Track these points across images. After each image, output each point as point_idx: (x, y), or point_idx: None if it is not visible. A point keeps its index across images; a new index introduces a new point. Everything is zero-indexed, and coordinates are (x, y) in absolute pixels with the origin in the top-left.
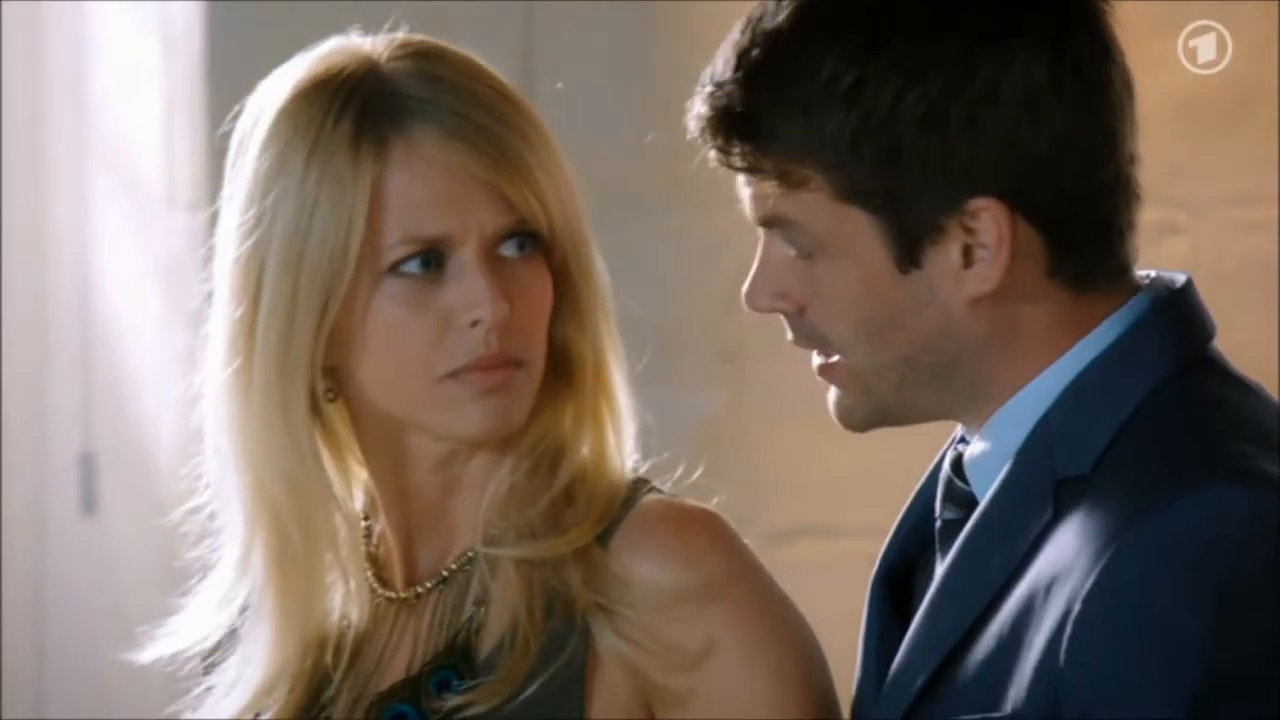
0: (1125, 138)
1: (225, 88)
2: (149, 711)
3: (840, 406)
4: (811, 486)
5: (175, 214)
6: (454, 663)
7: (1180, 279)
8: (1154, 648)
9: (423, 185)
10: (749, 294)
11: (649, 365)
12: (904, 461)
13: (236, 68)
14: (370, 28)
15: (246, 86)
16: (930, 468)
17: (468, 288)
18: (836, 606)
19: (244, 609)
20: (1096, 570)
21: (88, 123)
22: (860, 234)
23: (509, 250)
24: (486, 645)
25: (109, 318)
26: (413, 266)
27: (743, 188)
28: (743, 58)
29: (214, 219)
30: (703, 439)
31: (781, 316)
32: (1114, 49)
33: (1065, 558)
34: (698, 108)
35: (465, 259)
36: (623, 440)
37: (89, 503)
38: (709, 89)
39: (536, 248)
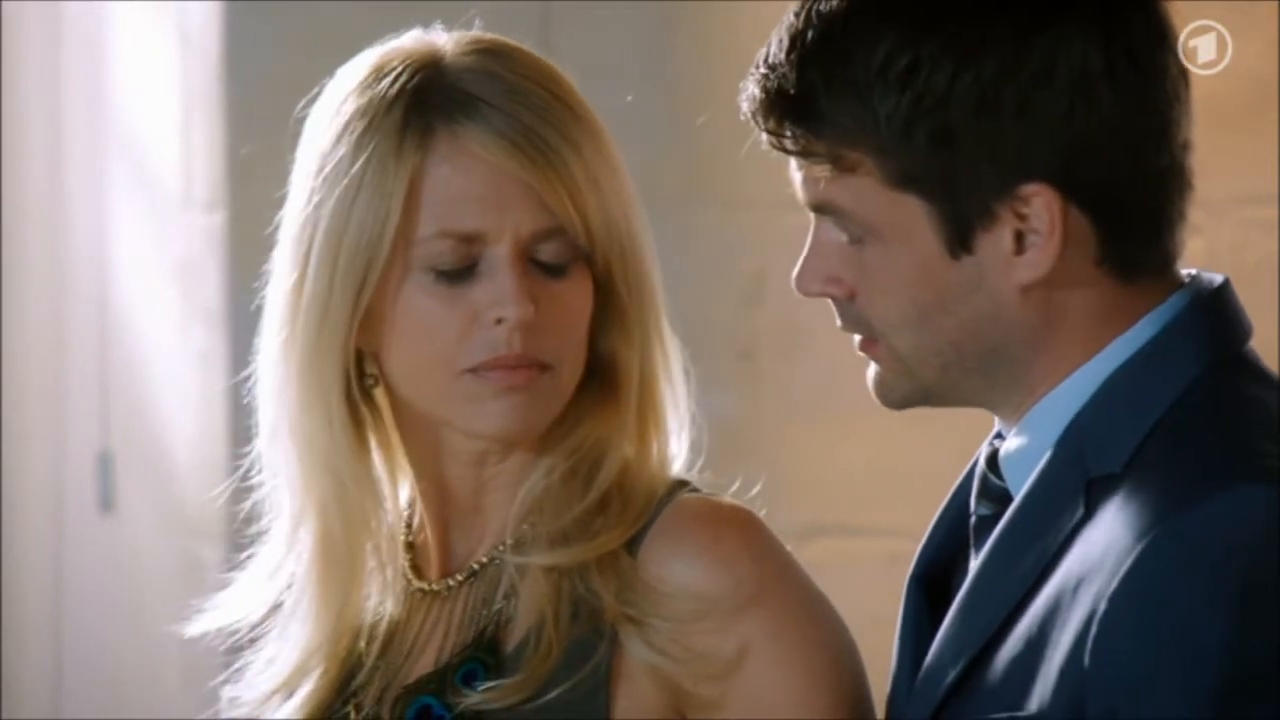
0: (1179, 125)
1: (243, 88)
2: (165, 709)
3: (880, 384)
4: (828, 486)
5: (192, 213)
6: (481, 656)
7: (1218, 279)
8: (1178, 647)
9: (463, 180)
10: (799, 278)
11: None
12: (921, 461)
13: (254, 68)
14: (388, 28)
15: (264, 87)
16: (968, 466)
17: (495, 286)
18: (854, 605)
19: (290, 584)
20: (1122, 570)
21: (105, 122)
22: (912, 220)
23: (547, 256)
24: (512, 641)
25: (126, 317)
26: (445, 261)
27: (794, 172)
28: (796, 40)
29: (232, 218)
30: (720, 439)
31: (831, 303)
32: (1170, 35)
33: (1094, 556)
34: (750, 89)
35: (497, 258)
36: (666, 451)
37: (107, 501)
38: (762, 71)
39: (577, 256)
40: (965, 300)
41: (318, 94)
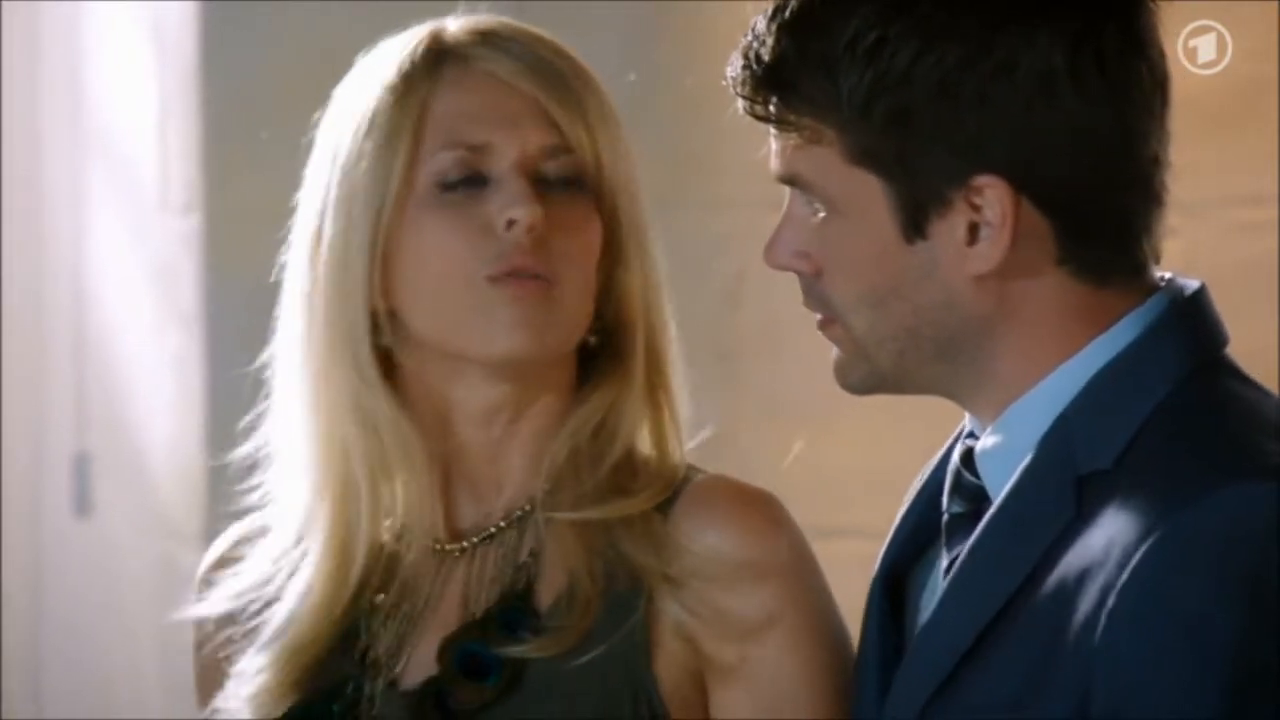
0: (1149, 136)
1: (219, 90)
2: (146, 709)
3: (839, 366)
4: (808, 487)
5: (169, 216)
6: (519, 605)
7: (1194, 284)
8: (1187, 643)
9: (471, 97)
10: (769, 249)
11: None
12: (901, 462)
13: (231, 69)
14: (363, 29)
15: (240, 88)
16: (930, 469)
17: (504, 192)
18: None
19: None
20: (1129, 566)
21: (82, 125)
22: (870, 198)
23: (553, 171)
24: (547, 597)
25: (103, 320)
26: (451, 173)
27: (771, 142)
28: (779, 11)
29: (208, 221)
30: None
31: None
32: (1147, 47)
33: (1095, 552)
34: (734, 56)
35: (505, 169)
36: (679, 422)
37: (83, 504)
38: (747, 39)
39: (584, 187)
40: (919, 286)
41: (293, 99)
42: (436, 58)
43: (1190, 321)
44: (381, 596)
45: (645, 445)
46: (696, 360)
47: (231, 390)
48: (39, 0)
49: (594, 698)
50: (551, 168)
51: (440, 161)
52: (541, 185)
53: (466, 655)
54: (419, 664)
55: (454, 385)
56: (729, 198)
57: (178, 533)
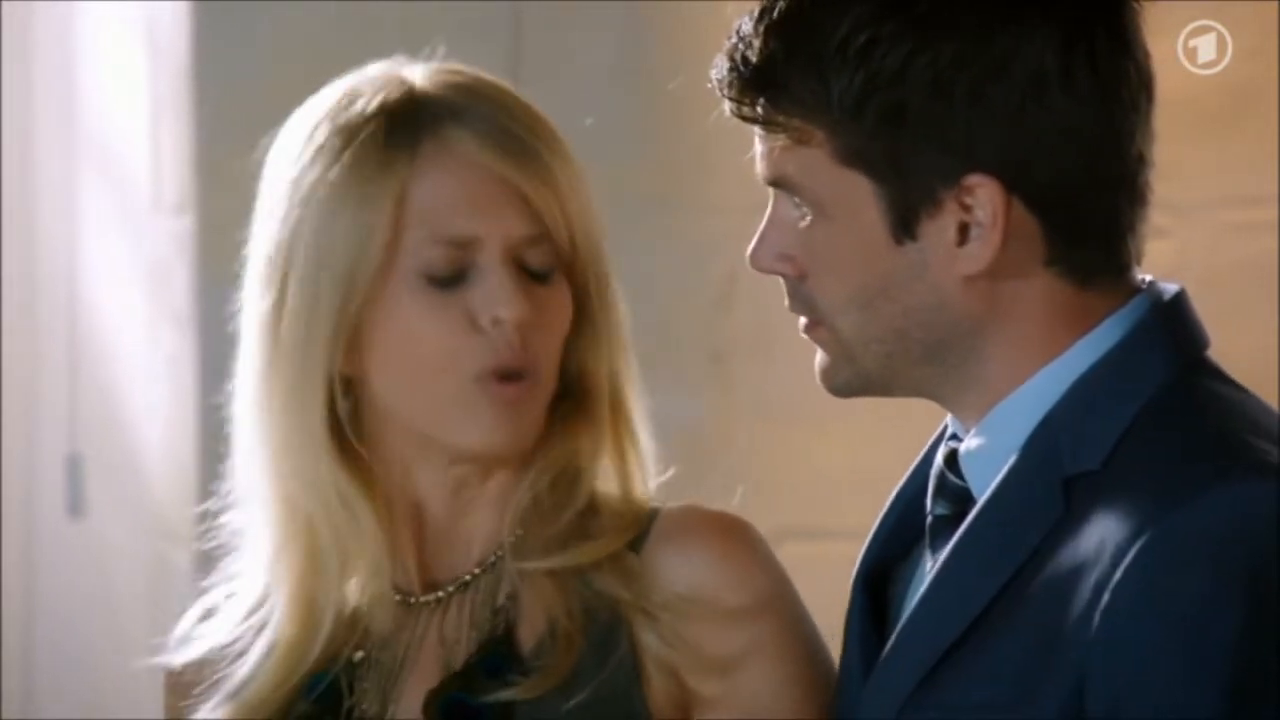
0: (1135, 137)
1: (211, 91)
2: (137, 711)
3: (824, 369)
4: (800, 489)
5: (161, 217)
6: (501, 650)
7: (1174, 287)
8: (1185, 640)
9: (454, 185)
10: (753, 253)
11: (637, 367)
12: (893, 463)
13: (222, 71)
14: (355, 32)
15: (232, 90)
16: (910, 470)
17: (490, 287)
18: (825, 607)
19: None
20: (1123, 564)
21: (75, 126)
22: (859, 199)
23: (534, 262)
24: (528, 641)
25: (96, 320)
26: (438, 269)
27: (757, 144)
28: (766, 12)
29: (201, 222)
30: (691, 441)
31: (781, 281)
32: (1134, 47)
33: (1088, 551)
34: (719, 58)
35: (489, 262)
36: (644, 464)
37: (76, 505)
38: (733, 40)
39: (559, 265)
40: (908, 287)
41: (286, 100)
42: (410, 128)
43: (1173, 323)
44: (360, 654)
45: (611, 487)
46: (689, 362)
47: (224, 391)
48: (32, 1)
49: None
50: (532, 256)
51: (427, 256)
52: (523, 274)
53: (452, 706)
54: (405, 716)
55: (420, 458)
56: (721, 200)
57: (171, 533)
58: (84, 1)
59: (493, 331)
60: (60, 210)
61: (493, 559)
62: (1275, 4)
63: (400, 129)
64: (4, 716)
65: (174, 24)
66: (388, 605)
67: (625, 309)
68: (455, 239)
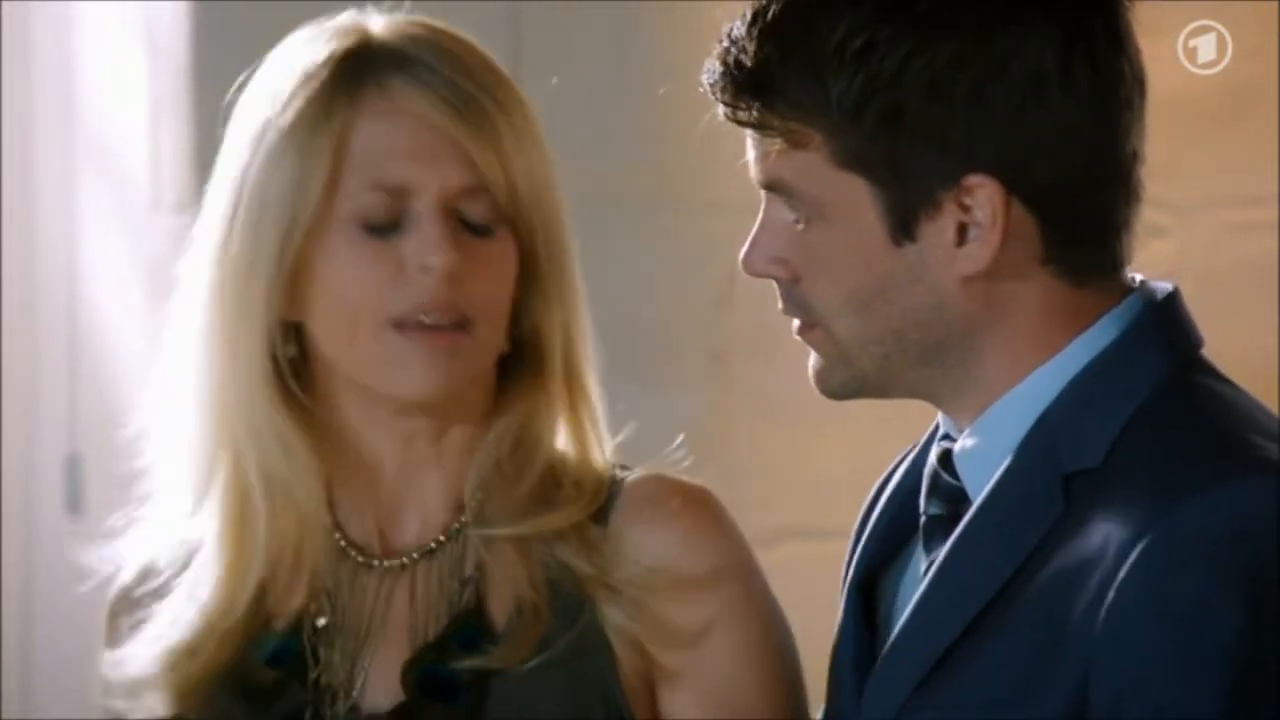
0: (1130, 134)
1: (211, 90)
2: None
3: (818, 371)
4: (799, 488)
5: (162, 216)
6: (472, 622)
7: (1168, 286)
8: (1187, 638)
9: (392, 133)
10: (746, 256)
11: (637, 366)
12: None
13: (222, 70)
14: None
15: (232, 88)
16: (902, 470)
17: (421, 235)
18: (824, 607)
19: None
20: (1128, 562)
21: (74, 125)
22: (857, 202)
23: (473, 215)
24: (498, 611)
25: (96, 319)
26: (374, 216)
27: (750, 149)
28: (760, 14)
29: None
30: (690, 440)
31: (774, 285)
32: (1128, 44)
33: (1090, 549)
34: (711, 62)
35: (423, 210)
36: (599, 425)
37: (75, 504)
38: (725, 44)
39: (501, 220)
40: (907, 289)
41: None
42: (356, 76)
43: (1168, 321)
44: (323, 620)
45: (570, 453)
46: (689, 362)
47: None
48: (31, 0)
49: (563, 698)
50: (470, 209)
51: (363, 202)
52: (460, 225)
53: (428, 677)
54: (377, 685)
55: (366, 412)
56: (721, 199)
57: None
58: (83, 1)
59: (420, 279)
60: (60, 210)
61: (456, 525)
62: (1275, 4)
63: (346, 76)
64: (4, 717)
65: (174, 24)
66: (330, 556)
67: (576, 267)
68: (390, 186)
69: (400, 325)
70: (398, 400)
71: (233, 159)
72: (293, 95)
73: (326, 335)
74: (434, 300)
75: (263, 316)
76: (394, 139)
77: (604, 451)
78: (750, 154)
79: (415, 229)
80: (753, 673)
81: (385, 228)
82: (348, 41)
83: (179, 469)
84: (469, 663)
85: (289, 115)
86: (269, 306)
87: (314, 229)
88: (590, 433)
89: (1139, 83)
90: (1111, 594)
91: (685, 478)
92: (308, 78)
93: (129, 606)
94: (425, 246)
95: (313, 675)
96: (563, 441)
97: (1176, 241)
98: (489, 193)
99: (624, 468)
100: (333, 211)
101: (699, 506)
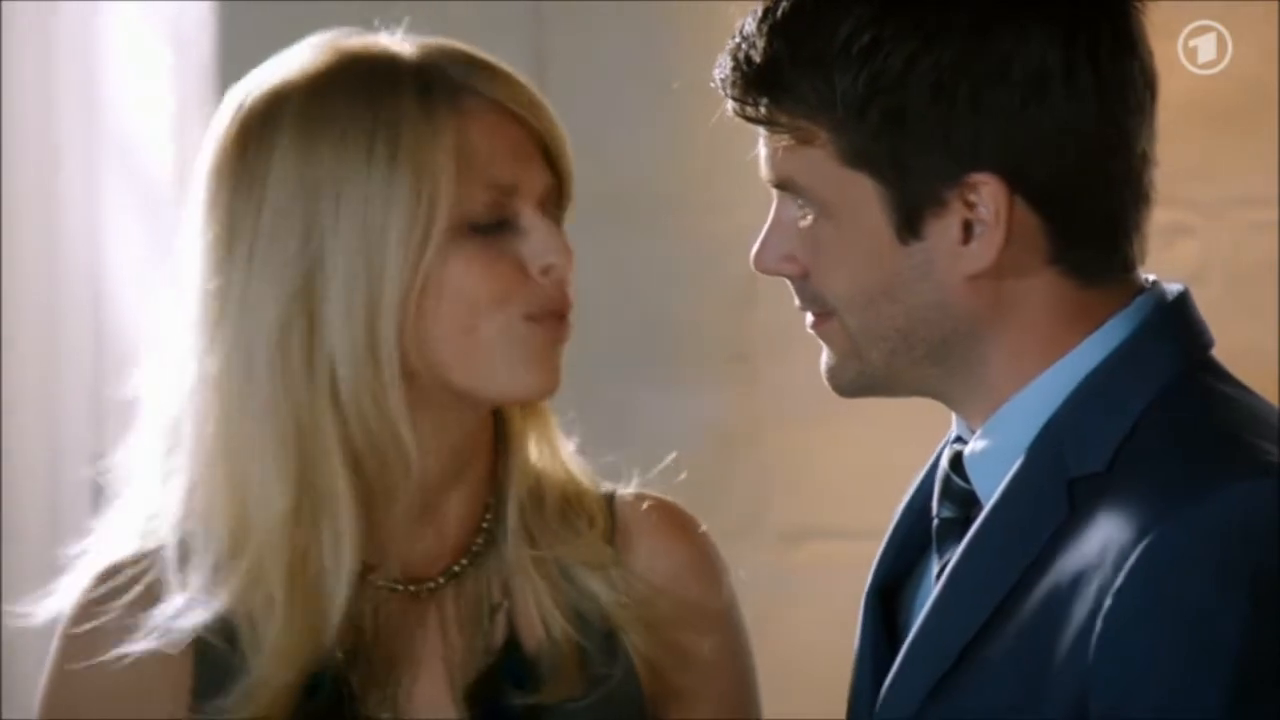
0: (1138, 136)
1: None
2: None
3: (830, 367)
4: (822, 488)
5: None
6: (513, 655)
7: (1177, 287)
8: (1189, 642)
9: (498, 134)
10: (757, 255)
11: (660, 366)
12: (915, 462)
13: (247, 70)
14: (381, 29)
15: None
16: (919, 479)
17: (540, 236)
18: (845, 607)
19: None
20: (1128, 565)
21: (99, 125)
22: (863, 200)
23: (555, 212)
24: (528, 643)
25: (120, 320)
26: (483, 215)
27: (760, 146)
28: (769, 12)
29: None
30: (713, 440)
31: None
32: (1138, 45)
33: (1091, 553)
34: (722, 58)
35: (529, 211)
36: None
37: (100, 504)
38: (735, 41)
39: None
40: (913, 288)
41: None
42: (449, 94)
43: (1178, 322)
44: (346, 649)
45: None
46: (711, 361)
47: None
48: (53, 0)
49: None
50: (552, 205)
51: (475, 201)
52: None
53: (491, 712)
54: (420, 716)
55: (427, 430)
56: (741, 197)
57: None
58: (108, 1)
59: (542, 279)
60: (85, 209)
61: (475, 547)
62: (1275, 4)
63: (433, 88)
64: (4, 717)
65: (199, 22)
66: (367, 586)
67: (598, 272)
68: (503, 186)
69: (532, 319)
70: (503, 396)
71: (278, 215)
72: (375, 128)
73: (442, 341)
74: (564, 299)
75: (396, 355)
76: (500, 139)
77: (577, 463)
78: (760, 151)
79: (525, 230)
80: (746, 693)
81: (494, 227)
82: (403, 62)
83: (190, 482)
84: (527, 700)
85: (383, 147)
86: (400, 341)
87: (439, 244)
88: (562, 444)
89: (1150, 85)
90: (1109, 600)
91: (742, 507)
92: (383, 107)
93: (94, 614)
94: (546, 247)
95: (349, 709)
96: (536, 457)
97: (1200, 241)
98: (568, 193)
99: (606, 485)
100: (452, 222)
101: (701, 538)
